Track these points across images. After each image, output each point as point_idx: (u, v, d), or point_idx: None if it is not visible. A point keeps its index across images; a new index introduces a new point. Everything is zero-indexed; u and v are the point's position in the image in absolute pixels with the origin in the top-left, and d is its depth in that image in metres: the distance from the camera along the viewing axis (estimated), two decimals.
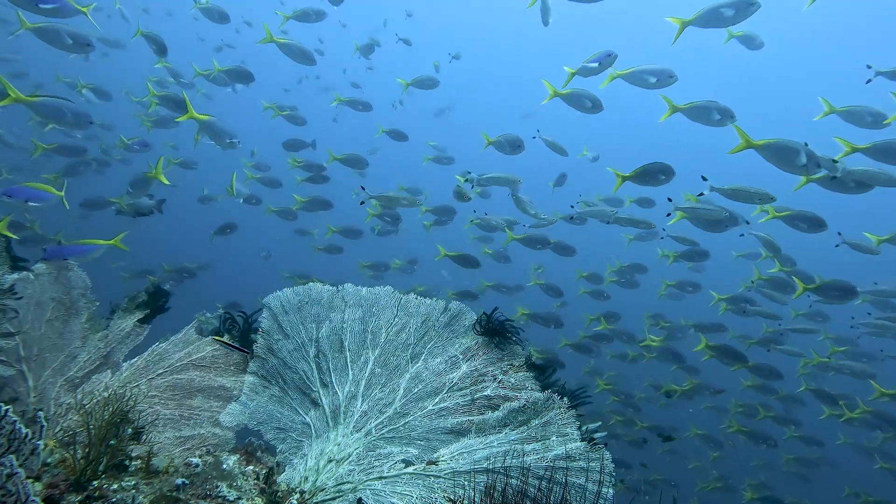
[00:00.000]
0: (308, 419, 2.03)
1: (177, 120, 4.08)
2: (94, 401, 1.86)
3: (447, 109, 8.15)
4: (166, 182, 3.68)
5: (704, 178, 3.51)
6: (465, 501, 1.70)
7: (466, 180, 4.64)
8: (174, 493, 1.65)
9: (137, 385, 2.05)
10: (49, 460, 1.51)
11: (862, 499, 5.86)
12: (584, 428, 1.85)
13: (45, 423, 1.20)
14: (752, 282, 5.08)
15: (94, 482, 1.52)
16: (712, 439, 6.55)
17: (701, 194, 3.65)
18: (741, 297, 5.42)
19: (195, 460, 1.82)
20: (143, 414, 1.95)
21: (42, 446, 1.29)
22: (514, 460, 1.77)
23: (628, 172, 3.82)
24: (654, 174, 3.76)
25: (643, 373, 7.50)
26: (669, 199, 4.18)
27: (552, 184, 5.43)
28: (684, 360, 5.57)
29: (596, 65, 3.94)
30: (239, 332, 2.31)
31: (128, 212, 4.05)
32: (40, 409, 1.84)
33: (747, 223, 4.16)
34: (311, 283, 2.21)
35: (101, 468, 1.55)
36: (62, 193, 2.89)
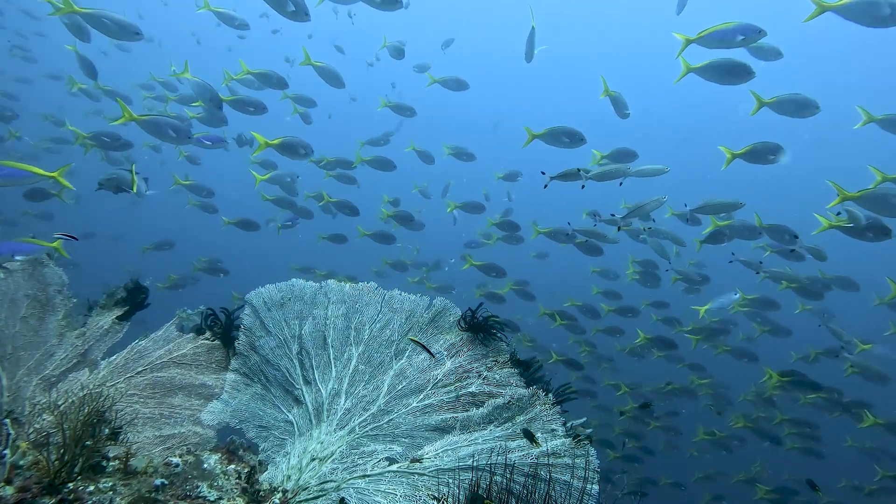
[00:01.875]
0: (291, 417, 2.01)
1: (253, 155, 4.49)
2: (70, 400, 1.82)
3: (399, 128, 7.90)
4: (134, 190, 3.73)
5: (832, 183, 3.39)
6: (450, 499, 1.69)
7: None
8: (153, 494, 1.62)
9: (116, 384, 2.01)
10: (21, 462, 1.47)
11: (866, 490, 5.91)
12: (569, 424, 1.85)
13: (11, 431, 1.16)
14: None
15: (69, 484, 1.49)
16: (722, 444, 6.59)
17: (839, 214, 3.47)
18: (764, 300, 5.41)
19: (175, 460, 1.79)
20: (122, 413, 1.91)
21: (9, 454, 1.25)
22: (499, 457, 1.77)
23: (739, 150, 3.76)
24: (763, 153, 3.72)
25: (648, 367, 7.55)
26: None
27: (598, 159, 5.08)
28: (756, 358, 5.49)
29: (741, 38, 3.41)
30: (221, 329, 2.28)
31: (108, 187, 3.97)
32: (6, 417, 1.79)
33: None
34: (293, 280, 2.18)
35: (76, 470, 1.52)
36: (53, 174, 2.63)
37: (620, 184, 4.31)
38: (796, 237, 4.23)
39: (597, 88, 4.57)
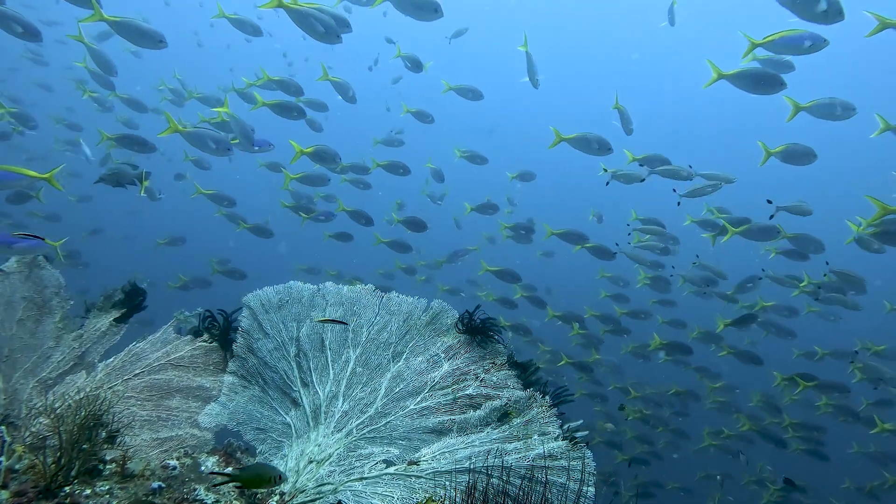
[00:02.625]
0: (288, 419, 2.01)
1: (292, 162, 4.64)
2: (67, 403, 1.82)
3: (398, 134, 7.89)
4: (143, 192, 3.93)
5: (870, 199, 3.34)
6: (447, 502, 1.70)
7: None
8: (150, 498, 1.62)
9: (113, 386, 2.01)
10: (17, 466, 1.47)
11: (868, 487, 5.93)
12: (565, 426, 1.85)
13: (7, 438, 1.16)
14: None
15: (66, 488, 1.49)
16: (728, 449, 6.60)
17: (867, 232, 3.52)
18: (785, 308, 5.44)
19: (172, 463, 1.79)
20: (119, 415, 1.91)
21: (4, 459, 1.25)
22: (496, 460, 1.77)
23: (775, 148, 3.83)
24: (799, 155, 3.81)
25: (654, 368, 7.57)
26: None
27: (630, 160, 5.00)
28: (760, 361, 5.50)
29: (809, 44, 3.34)
30: (218, 331, 2.28)
31: (108, 181, 4.00)
32: (2, 422, 1.79)
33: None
34: (291, 282, 2.18)
35: (72, 473, 1.52)
36: (45, 175, 2.61)
37: (692, 178, 4.50)
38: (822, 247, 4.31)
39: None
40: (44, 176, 2.45)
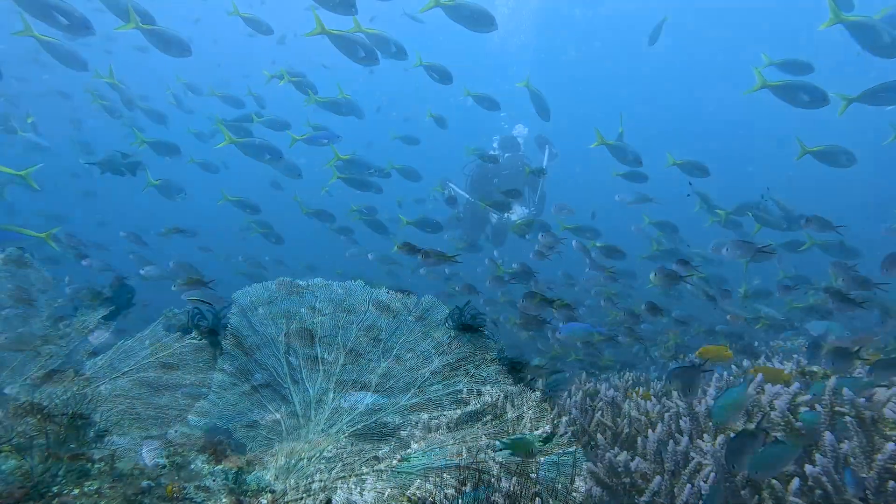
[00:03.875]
0: (278, 416, 2.00)
1: (329, 164, 4.90)
2: (54, 402, 1.81)
3: (406, 121, 7.93)
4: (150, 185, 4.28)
5: None
6: (437, 498, 1.70)
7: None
8: (139, 497, 1.62)
9: (101, 384, 1.99)
10: (4, 467, 1.46)
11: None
12: (556, 422, 1.85)
13: None
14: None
15: (54, 488, 1.48)
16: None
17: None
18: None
19: (162, 461, 1.78)
20: (108, 414, 1.90)
21: None
22: (486, 455, 1.77)
23: (813, 147, 3.82)
24: (836, 155, 3.80)
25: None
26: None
27: (671, 162, 5.18)
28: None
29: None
30: (208, 328, 2.26)
31: (102, 166, 4.06)
32: None
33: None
34: (280, 278, 2.17)
35: (60, 473, 1.51)
36: (21, 173, 2.59)
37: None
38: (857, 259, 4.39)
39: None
40: (20, 173, 2.43)
